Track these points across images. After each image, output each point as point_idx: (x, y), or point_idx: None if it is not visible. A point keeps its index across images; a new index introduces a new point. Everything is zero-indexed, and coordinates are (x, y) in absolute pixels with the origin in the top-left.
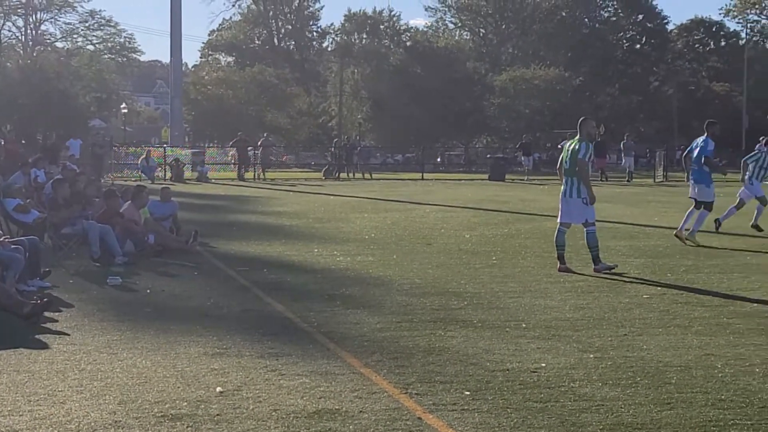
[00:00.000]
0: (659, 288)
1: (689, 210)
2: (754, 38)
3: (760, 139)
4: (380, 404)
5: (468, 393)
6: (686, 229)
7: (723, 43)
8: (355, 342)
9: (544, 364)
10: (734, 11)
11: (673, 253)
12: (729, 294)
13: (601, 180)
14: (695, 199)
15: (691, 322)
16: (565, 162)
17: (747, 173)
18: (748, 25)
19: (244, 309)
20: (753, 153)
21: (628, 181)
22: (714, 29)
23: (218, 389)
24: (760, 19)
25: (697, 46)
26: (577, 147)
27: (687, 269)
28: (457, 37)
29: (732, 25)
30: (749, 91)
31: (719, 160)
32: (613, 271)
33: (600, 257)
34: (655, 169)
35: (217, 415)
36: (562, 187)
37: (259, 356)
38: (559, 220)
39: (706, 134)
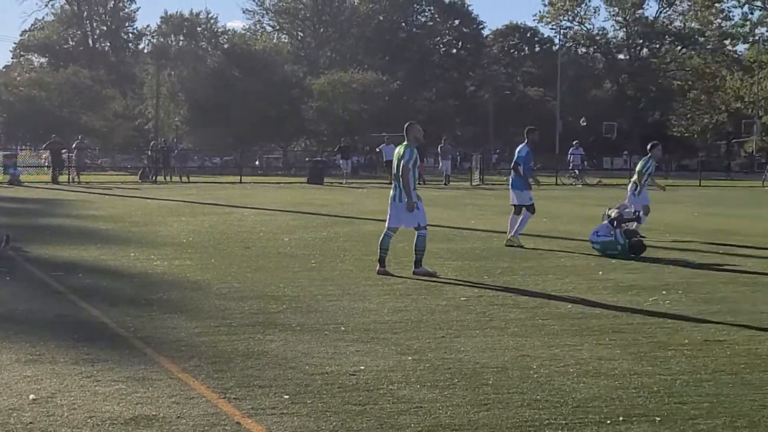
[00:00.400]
0: (476, 290)
1: (510, 217)
2: (567, 44)
3: (573, 142)
4: (198, 409)
5: (287, 397)
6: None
7: (537, 49)
8: (173, 347)
9: (362, 367)
10: (548, 17)
11: (489, 256)
12: (544, 295)
13: (419, 183)
14: (515, 205)
15: (508, 323)
16: (394, 167)
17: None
18: (561, 31)
19: (58, 314)
20: (646, 158)
21: (445, 184)
22: (529, 35)
23: (31, 396)
24: (572, 25)
25: (512, 51)
26: (402, 152)
27: (503, 271)
28: (275, 41)
29: (546, 31)
30: (562, 96)
31: (534, 164)
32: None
33: (423, 262)
34: (471, 173)
35: (30, 423)
36: (392, 192)
37: (73, 362)
38: (387, 225)
39: (525, 140)
